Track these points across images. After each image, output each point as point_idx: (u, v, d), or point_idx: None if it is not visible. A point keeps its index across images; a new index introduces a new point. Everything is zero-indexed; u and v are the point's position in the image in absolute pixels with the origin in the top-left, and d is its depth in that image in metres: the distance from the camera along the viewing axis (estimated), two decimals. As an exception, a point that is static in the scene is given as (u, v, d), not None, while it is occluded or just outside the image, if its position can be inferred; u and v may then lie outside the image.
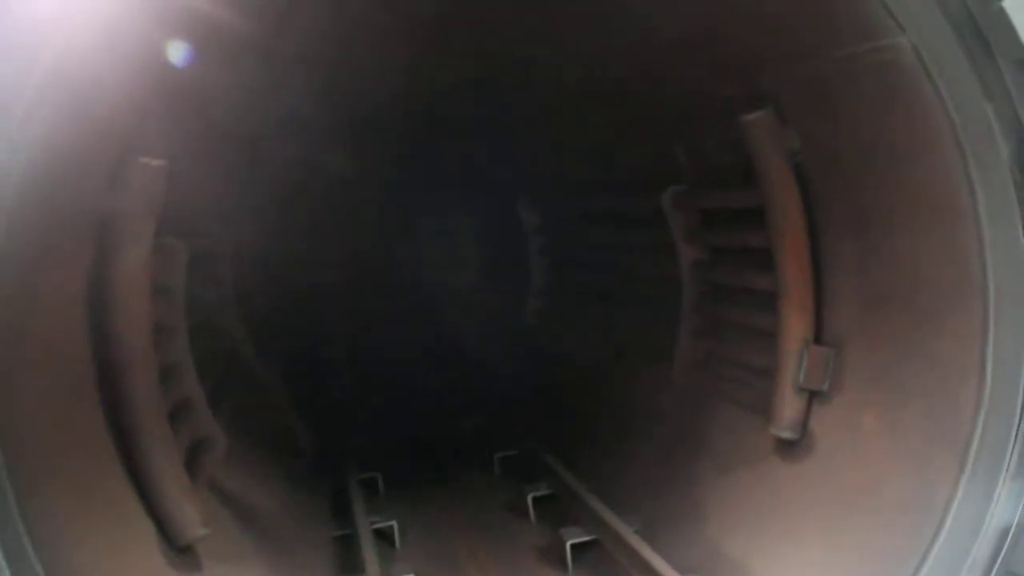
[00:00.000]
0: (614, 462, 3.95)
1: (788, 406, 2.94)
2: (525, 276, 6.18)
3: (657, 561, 2.96)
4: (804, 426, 2.94)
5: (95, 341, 2.34)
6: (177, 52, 2.37)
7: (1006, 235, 2.12)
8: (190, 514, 2.55)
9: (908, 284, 2.52)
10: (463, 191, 6.44)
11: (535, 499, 3.92)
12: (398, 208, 6.65)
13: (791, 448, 2.97)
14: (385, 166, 5.49)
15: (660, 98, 3.45)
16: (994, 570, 2.11)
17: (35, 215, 1.86)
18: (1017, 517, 2.11)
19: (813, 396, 2.92)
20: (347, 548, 3.57)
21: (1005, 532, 2.12)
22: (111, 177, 2.31)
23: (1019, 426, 2.12)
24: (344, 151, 4.65)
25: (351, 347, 6.63)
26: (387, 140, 5.14)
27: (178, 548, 2.54)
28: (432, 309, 7.11)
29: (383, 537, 3.74)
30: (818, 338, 2.92)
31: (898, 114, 2.29)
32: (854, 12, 2.19)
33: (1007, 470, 2.13)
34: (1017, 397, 2.12)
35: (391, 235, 6.86)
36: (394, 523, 3.78)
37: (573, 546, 3.38)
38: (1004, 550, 2.11)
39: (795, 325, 2.92)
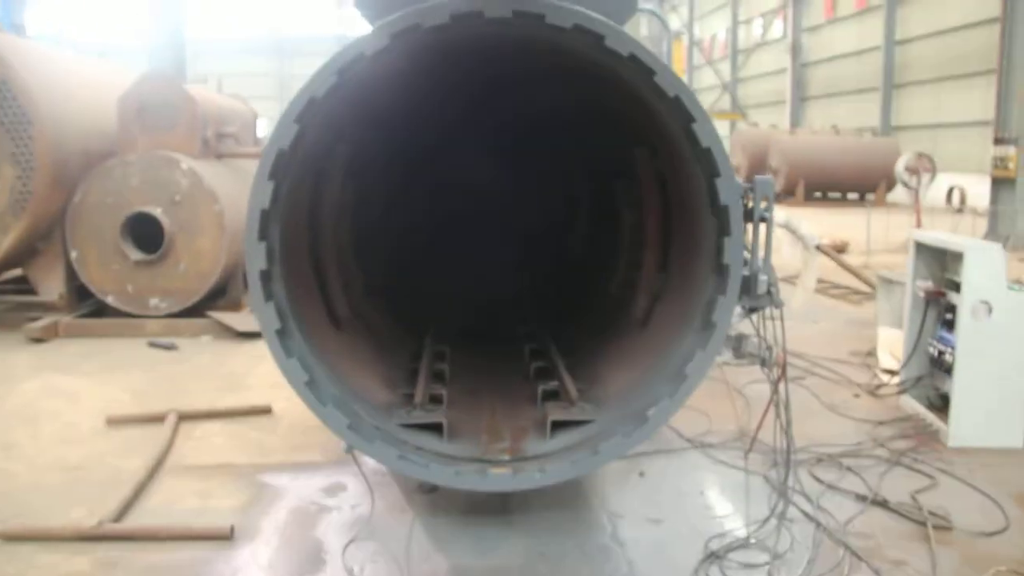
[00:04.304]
0: (573, 333, 6.69)
1: (642, 301, 5.57)
2: (571, 225, 8.86)
3: (567, 381, 5.66)
4: (650, 313, 5.57)
5: (310, 218, 5.32)
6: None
7: (711, 225, 4.65)
8: (342, 305, 5.55)
9: (692, 246, 5.08)
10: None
11: (531, 350, 6.70)
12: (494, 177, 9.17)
13: (643, 324, 5.61)
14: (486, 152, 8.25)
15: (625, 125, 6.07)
16: (688, 365, 4.67)
17: (304, 165, 4.77)
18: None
19: (656, 297, 5.55)
20: (417, 358, 6.46)
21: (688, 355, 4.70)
22: (326, 152, 5.26)
23: (702, 316, 4.67)
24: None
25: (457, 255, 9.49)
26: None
27: (335, 321, 5.53)
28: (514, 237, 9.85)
29: (440, 358, 6.64)
30: (663, 268, 5.54)
31: (685, 168, 4.83)
32: (662, 119, 4.76)
33: (693, 333, 4.70)
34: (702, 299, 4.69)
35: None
36: (447, 348, 6.66)
37: (535, 368, 6.17)
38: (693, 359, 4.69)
39: (650, 261, 5.54)
